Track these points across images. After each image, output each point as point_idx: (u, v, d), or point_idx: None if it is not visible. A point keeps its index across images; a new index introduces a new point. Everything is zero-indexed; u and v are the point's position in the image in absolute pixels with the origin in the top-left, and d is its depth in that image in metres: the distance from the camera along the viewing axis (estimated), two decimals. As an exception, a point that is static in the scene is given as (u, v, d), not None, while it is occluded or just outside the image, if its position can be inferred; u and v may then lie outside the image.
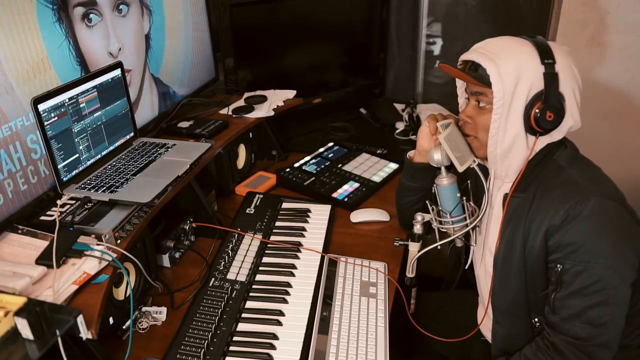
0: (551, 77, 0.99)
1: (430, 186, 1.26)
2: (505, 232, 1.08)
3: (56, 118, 1.15)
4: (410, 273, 1.23)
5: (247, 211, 1.49)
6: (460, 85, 1.15)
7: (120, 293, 1.13)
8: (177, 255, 1.35)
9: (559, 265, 0.99)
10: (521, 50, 1.01)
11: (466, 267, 1.27)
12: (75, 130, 1.21)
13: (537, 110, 1.00)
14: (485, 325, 1.23)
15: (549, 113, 0.99)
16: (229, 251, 1.32)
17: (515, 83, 0.99)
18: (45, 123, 1.12)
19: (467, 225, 1.17)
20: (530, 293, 1.08)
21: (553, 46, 1.01)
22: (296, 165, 1.73)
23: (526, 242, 1.05)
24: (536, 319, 1.09)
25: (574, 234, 0.97)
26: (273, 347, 1.06)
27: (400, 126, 2.19)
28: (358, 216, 1.47)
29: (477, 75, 1.03)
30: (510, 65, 0.99)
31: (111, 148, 1.35)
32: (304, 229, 1.42)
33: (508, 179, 1.10)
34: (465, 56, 1.07)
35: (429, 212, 1.21)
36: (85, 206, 1.15)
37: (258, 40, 1.97)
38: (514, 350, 1.11)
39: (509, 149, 1.04)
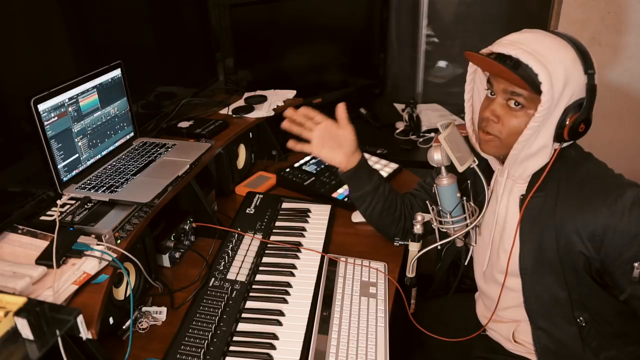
0: (592, 89, 0.97)
1: (371, 189, 1.27)
2: (530, 234, 1.07)
3: (56, 118, 1.15)
4: (410, 273, 1.23)
5: (247, 211, 1.49)
6: (470, 79, 1.11)
7: (120, 293, 1.13)
8: (177, 255, 1.35)
9: (636, 264, 0.97)
10: (567, 55, 0.96)
11: (465, 264, 1.27)
12: (75, 130, 1.21)
13: (572, 121, 0.98)
14: (489, 325, 1.23)
15: (582, 125, 0.98)
16: (229, 251, 1.32)
17: (562, 91, 0.96)
18: (45, 123, 1.12)
19: (467, 225, 1.17)
20: (573, 292, 1.07)
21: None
22: (296, 165, 1.73)
23: (559, 242, 1.03)
24: (581, 318, 1.08)
25: (633, 227, 0.96)
26: (273, 347, 1.06)
27: (400, 126, 2.20)
28: (359, 216, 1.47)
29: (524, 75, 0.96)
30: (560, 72, 0.95)
31: (111, 148, 1.35)
32: (304, 229, 1.42)
33: (521, 180, 1.09)
34: (504, 49, 0.98)
35: (428, 212, 1.21)
36: (85, 206, 1.15)
37: (258, 40, 1.98)
38: (564, 355, 1.11)
39: (533, 154, 1.03)
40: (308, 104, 2.07)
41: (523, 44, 0.98)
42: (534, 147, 1.02)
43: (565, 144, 1.03)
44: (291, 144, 1.26)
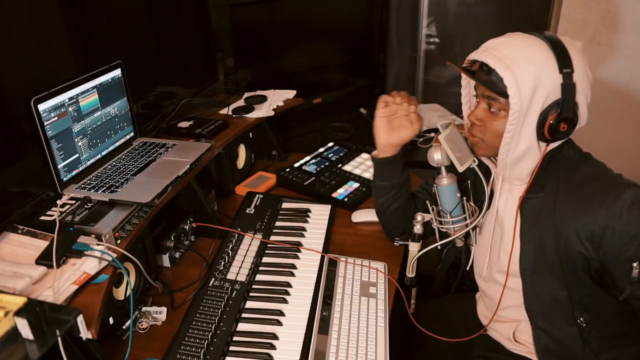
0: (569, 88, 0.96)
1: (399, 182, 1.26)
2: (530, 235, 1.07)
3: (56, 118, 1.15)
4: (410, 273, 1.23)
5: (247, 211, 1.49)
6: (465, 84, 1.12)
7: (120, 293, 1.13)
8: (177, 255, 1.35)
9: (635, 264, 0.98)
10: (539, 56, 0.96)
11: (467, 268, 1.27)
12: (75, 130, 1.21)
13: (551, 121, 0.97)
14: (490, 324, 1.23)
15: (564, 124, 0.97)
16: (229, 251, 1.32)
17: (532, 93, 0.96)
18: (45, 123, 1.12)
19: (467, 225, 1.17)
20: (573, 293, 1.07)
21: (569, 48, 0.97)
22: (296, 165, 1.73)
23: (559, 242, 1.03)
24: (581, 319, 1.08)
25: (631, 227, 0.96)
26: (273, 347, 1.06)
27: (400, 126, 2.19)
28: (359, 216, 1.47)
29: (491, 81, 0.99)
30: (528, 75, 0.95)
31: (111, 148, 1.35)
32: (304, 229, 1.42)
33: (519, 182, 1.09)
34: (476, 56, 1.01)
35: (428, 212, 1.21)
36: (85, 206, 1.15)
37: (258, 40, 1.98)
38: (565, 355, 1.11)
39: (520, 157, 1.03)
40: (308, 104, 2.08)
41: (495, 49, 0.99)
42: (519, 150, 1.02)
43: (554, 144, 1.03)
44: (384, 97, 1.23)
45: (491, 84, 0.99)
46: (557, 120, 0.97)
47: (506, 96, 0.97)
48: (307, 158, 1.77)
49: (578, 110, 0.99)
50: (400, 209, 1.29)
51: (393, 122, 1.22)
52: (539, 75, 0.95)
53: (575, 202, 1.01)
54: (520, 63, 0.96)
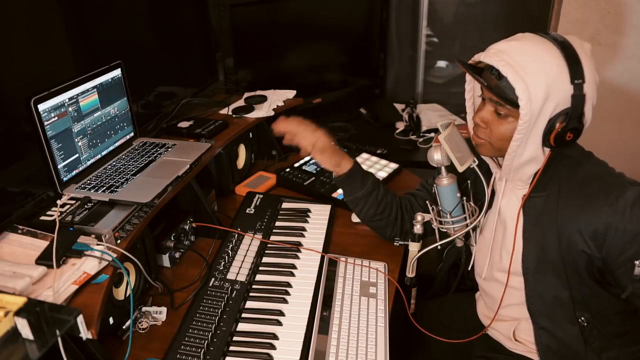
0: (579, 99, 0.95)
1: (363, 194, 1.28)
2: (533, 234, 1.08)
3: (56, 118, 1.15)
4: (410, 273, 1.23)
5: (247, 211, 1.49)
6: (469, 80, 1.11)
7: (120, 293, 1.13)
8: (177, 255, 1.35)
9: (637, 262, 0.98)
10: (551, 65, 0.94)
11: (469, 269, 1.27)
12: (75, 130, 1.21)
13: (559, 130, 0.97)
14: (491, 324, 1.23)
15: (570, 134, 0.97)
16: (229, 251, 1.32)
17: (543, 103, 0.95)
18: (45, 123, 1.12)
19: (467, 225, 1.17)
20: (575, 292, 1.07)
21: (580, 53, 0.95)
22: (296, 165, 1.73)
23: (561, 241, 1.04)
24: (582, 318, 1.09)
25: (634, 225, 0.96)
26: (273, 347, 1.06)
27: (400, 126, 2.20)
28: (358, 216, 1.47)
29: (501, 88, 0.98)
30: (540, 85, 0.94)
31: (111, 148, 1.35)
32: (304, 229, 1.42)
33: (521, 183, 1.09)
34: (487, 59, 0.99)
35: (428, 212, 1.21)
36: (85, 206, 1.15)
37: (258, 40, 1.98)
38: (566, 355, 1.11)
39: (525, 162, 1.03)
40: (308, 104, 2.08)
41: (506, 54, 0.97)
42: (525, 156, 1.02)
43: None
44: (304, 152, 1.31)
45: (501, 91, 0.98)
46: (564, 129, 0.97)
47: (517, 105, 0.96)
48: (307, 158, 1.77)
49: (584, 117, 0.99)
50: (378, 215, 1.29)
51: (318, 146, 1.26)
52: (551, 85, 0.94)
53: (578, 201, 1.01)
54: (533, 72, 0.94)
